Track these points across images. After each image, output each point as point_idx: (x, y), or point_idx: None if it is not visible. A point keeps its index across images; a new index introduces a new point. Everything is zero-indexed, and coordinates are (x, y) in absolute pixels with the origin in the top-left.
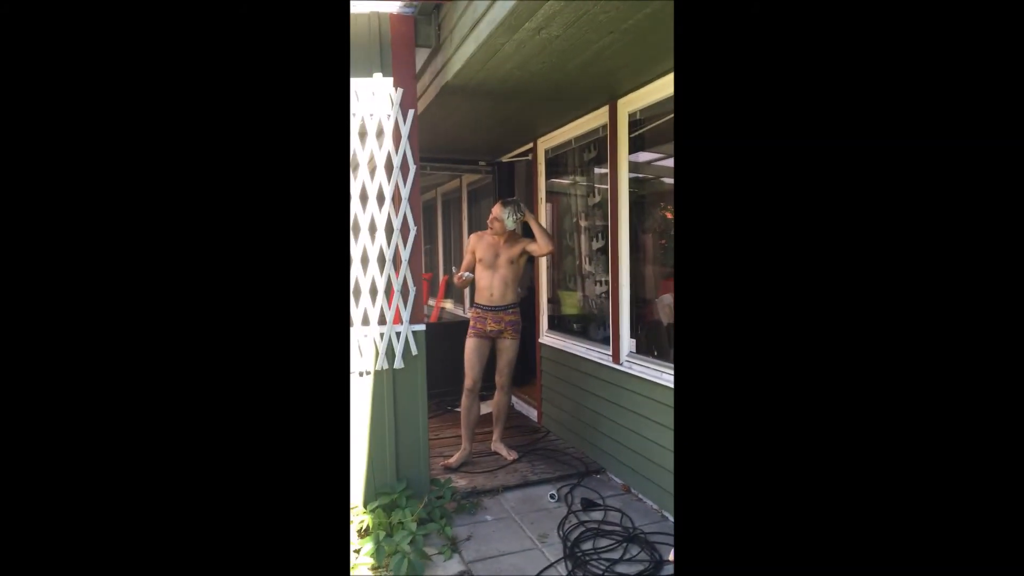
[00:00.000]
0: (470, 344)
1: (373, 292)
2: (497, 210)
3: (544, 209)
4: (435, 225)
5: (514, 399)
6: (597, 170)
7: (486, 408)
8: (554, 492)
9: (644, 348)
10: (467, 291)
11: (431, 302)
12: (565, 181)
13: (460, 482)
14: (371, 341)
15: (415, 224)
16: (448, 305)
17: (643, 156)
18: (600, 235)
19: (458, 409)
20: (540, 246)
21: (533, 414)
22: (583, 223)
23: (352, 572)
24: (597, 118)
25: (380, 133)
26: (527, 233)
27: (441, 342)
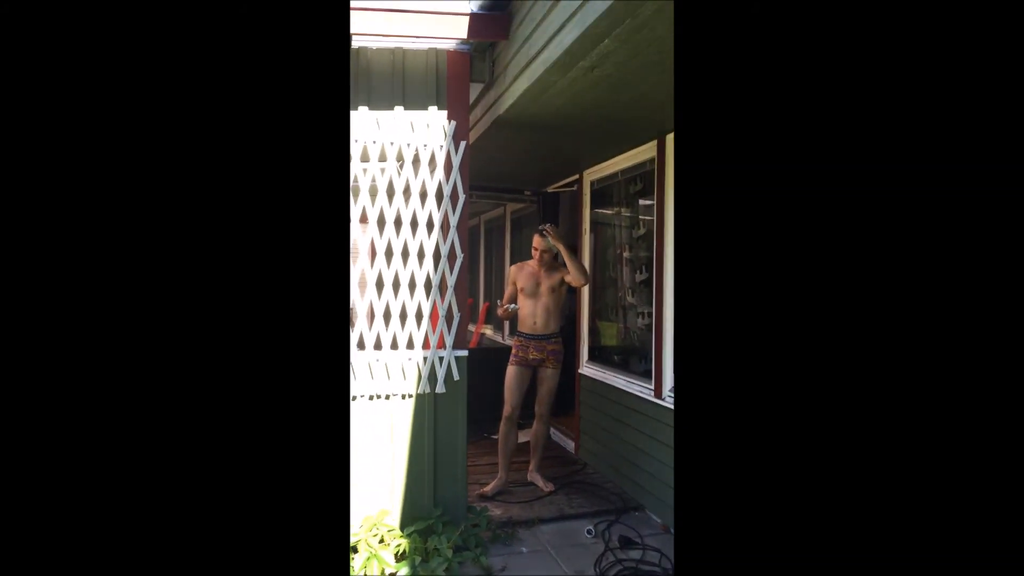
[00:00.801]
0: (511, 372)
1: (419, 316)
2: (539, 241)
3: (587, 239)
4: (477, 252)
5: (552, 430)
6: (642, 202)
7: (523, 437)
8: (591, 528)
9: None
10: (507, 320)
11: (471, 327)
12: (609, 212)
13: (496, 511)
14: (415, 365)
15: (462, 252)
16: (488, 331)
17: None
18: (644, 267)
19: (495, 436)
20: (574, 278)
21: (570, 445)
22: (626, 254)
23: None
24: (645, 152)
25: (432, 162)
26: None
27: (480, 368)
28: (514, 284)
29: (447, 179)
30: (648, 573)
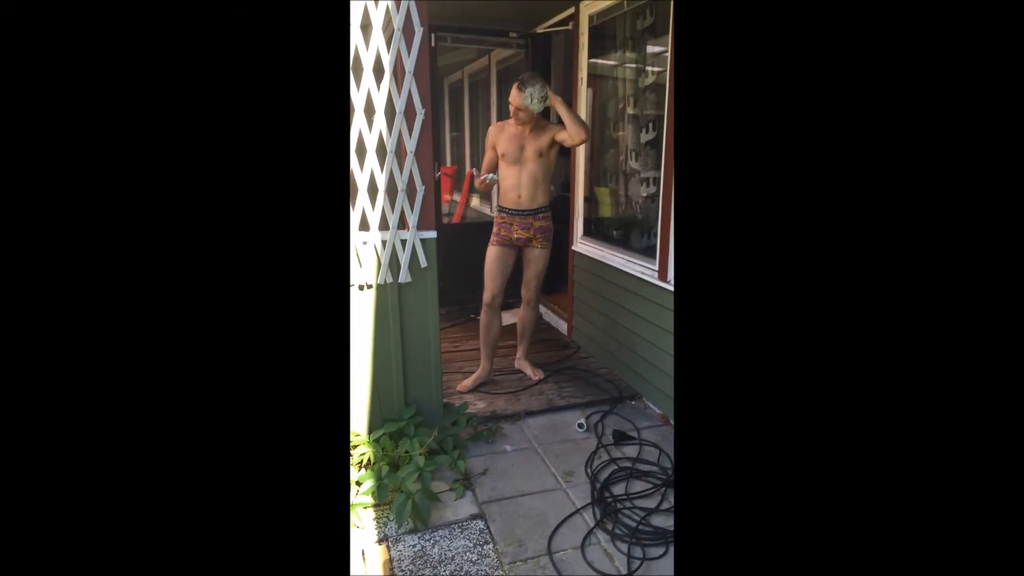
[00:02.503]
0: (492, 253)
1: (372, 191)
2: (516, 96)
3: (583, 93)
4: (462, 110)
5: (543, 308)
6: (652, 45)
7: (509, 318)
8: (583, 421)
9: None
10: (493, 191)
11: (455, 197)
12: (611, 60)
13: (478, 404)
14: (371, 249)
15: (423, 106)
16: (474, 202)
17: None
18: (651, 125)
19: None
20: (572, 134)
21: (563, 327)
22: (630, 110)
23: (352, 507)
24: None
25: None
26: (558, 119)
27: (466, 244)
28: (493, 149)
29: (396, 6)
30: (645, 473)
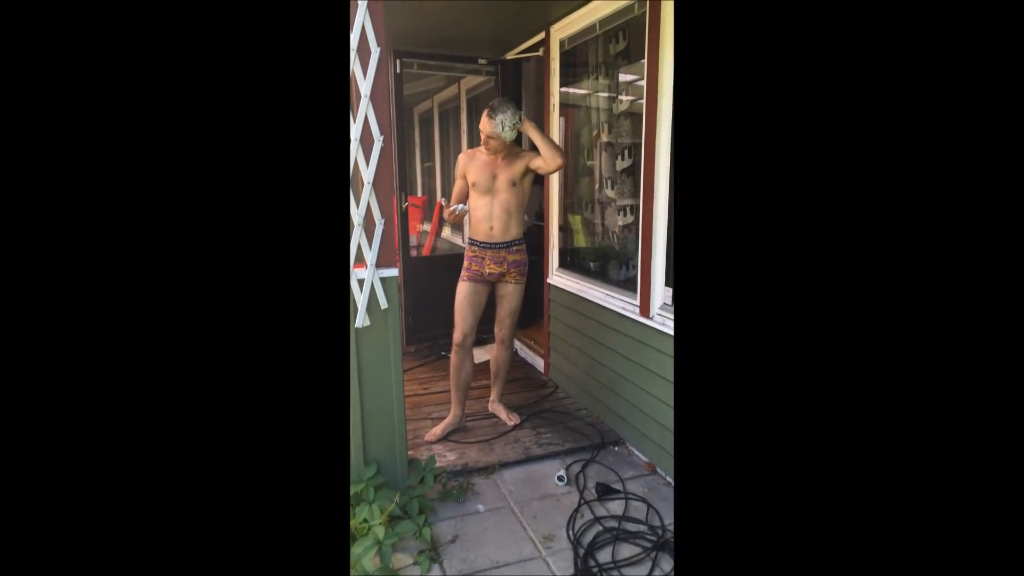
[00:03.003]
0: (462, 290)
1: None
2: (486, 123)
3: (555, 121)
4: (432, 140)
5: (518, 343)
6: (625, 72)
7: (482, 355)
8: (563, 473)
9: None
10: (464, 223)
11: (425, 227)
12: (583, 87)
13: (448, 456)
14: None
15: (381, 133)
16: (446, 232)
17: None
18: (627, 152)
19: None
20: (547, 160)
21: (539, 363)
22: (605, 137)
23: None
24: None
25: None
26: (531, 145)
27: (437, 277)
28: (463, 178)
29: (351, 23)
30: (633, 535)
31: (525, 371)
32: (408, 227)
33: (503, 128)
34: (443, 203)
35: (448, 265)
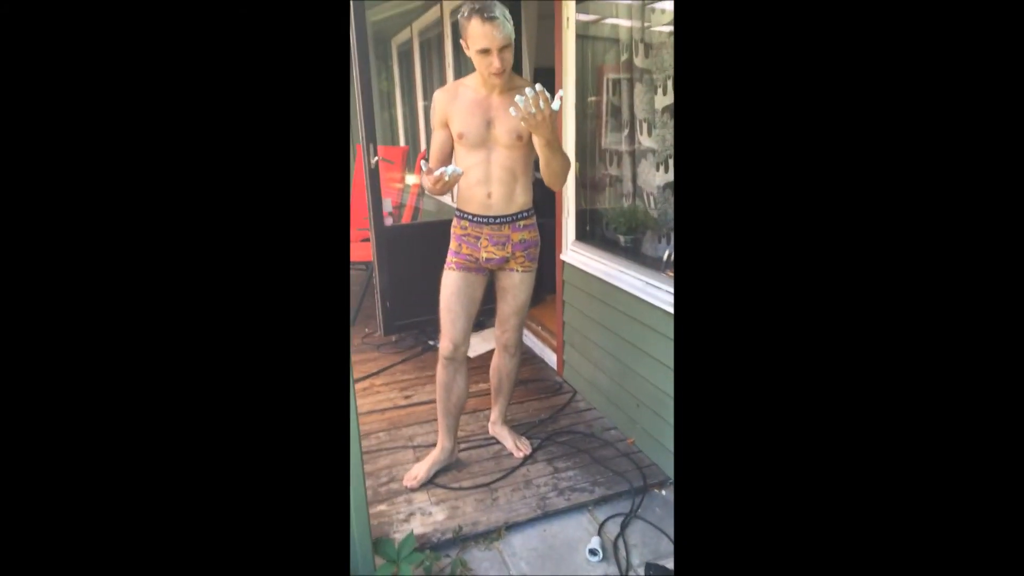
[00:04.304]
0: (451, 282)
1: None
2: (479, 31)
3: (570, 43)
4: (412, 78)
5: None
6: None
7: (481, 346)
8: (595, 546)
9: None
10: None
11: (406, 184)
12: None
13: (434, 515)
14: None
15: None
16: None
17: None
18: (670, 84)
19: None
20: (552, 177)
21: (550, 357)
22: (638, 60)
23: None
24: None
25: None
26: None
27: (420, 250)
28: (444, 127)
29: None
30: None
31: (534, 367)
32: (380, 189)
33: (505, 26)
34: (423, 164)
35: (435, 234)
